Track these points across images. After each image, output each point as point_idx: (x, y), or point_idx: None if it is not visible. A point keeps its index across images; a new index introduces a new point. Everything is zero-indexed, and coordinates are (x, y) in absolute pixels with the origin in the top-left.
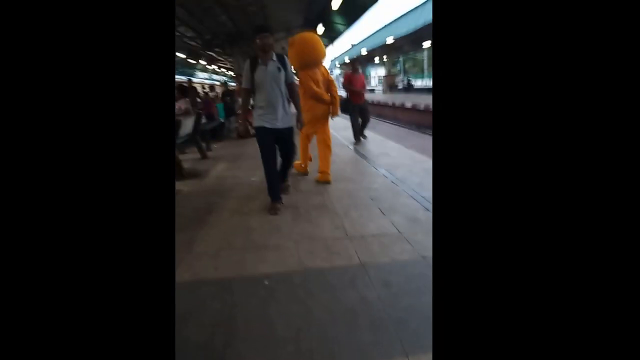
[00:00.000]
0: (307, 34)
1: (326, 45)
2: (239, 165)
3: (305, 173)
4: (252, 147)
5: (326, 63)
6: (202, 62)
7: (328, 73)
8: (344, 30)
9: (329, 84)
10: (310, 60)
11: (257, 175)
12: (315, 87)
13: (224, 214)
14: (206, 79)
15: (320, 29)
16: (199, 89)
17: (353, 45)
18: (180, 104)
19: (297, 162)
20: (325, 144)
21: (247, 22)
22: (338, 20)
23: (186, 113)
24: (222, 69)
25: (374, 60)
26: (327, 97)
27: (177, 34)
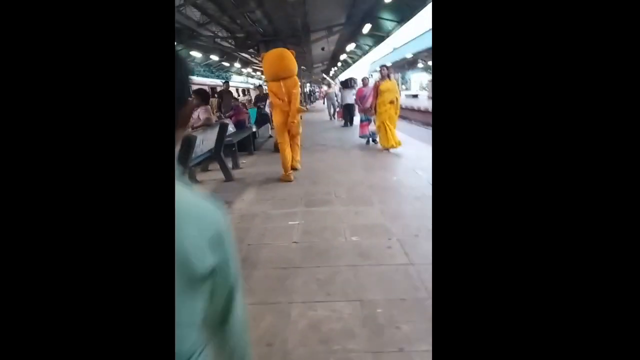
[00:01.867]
0: (277, 50)
1: (371, 47)
2: (273, 194)
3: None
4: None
5: (364, 67)
6: (236, 64)
7: (293, 85)
8: (392, 30)
9: (290, 95)
10: (274, 75)
11: (298, 215)
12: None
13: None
14: (242, 82)
15: (366, 27)
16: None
17: (395, 49)
18: (200, 113)
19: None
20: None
21: (284, 20)
22: (387, 16)
23: (206, 124)
24: (258, 72)
25: (416, 65)
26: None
27: (209, 34)
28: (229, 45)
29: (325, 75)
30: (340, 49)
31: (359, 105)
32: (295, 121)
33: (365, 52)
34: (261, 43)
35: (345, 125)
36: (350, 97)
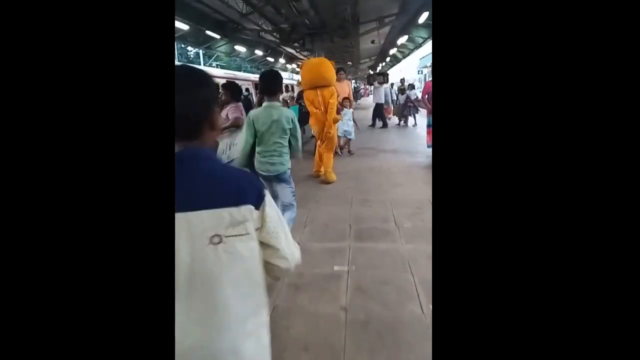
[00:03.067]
0: (316, 59)
1: (426, 39)
2: (312, 218)
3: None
4: (338, 175)
5: (414, 62)
6: (281, 60)
7: (330, 95)
8: None
9: (327, 105)
10: (311, 82)
11: (346, 253)
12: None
13: None
14: (287, 78)
15: (423, 16)
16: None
17: None
18: (228, 112)
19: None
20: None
21: (332, 10)
22: None
23: (235, 125)
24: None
25: None
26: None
27: (254, 26)
28: (274, 39)
29: (371, 72)
30: (391, 43)
31: (427, 106)
32: (332, 132)
33: (418, 46)
34: (307, 36)
35: (373, 125)
36: (381, 95)
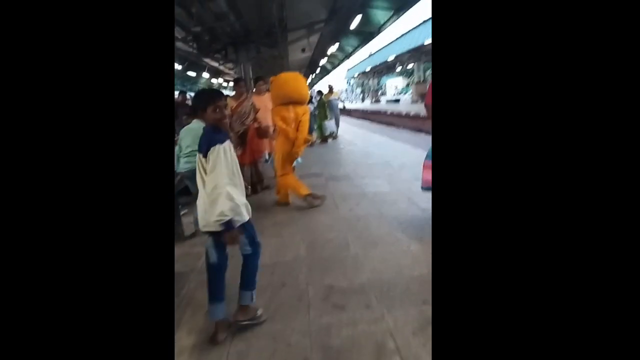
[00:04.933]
0: (290, 74)
1: (356, 48)
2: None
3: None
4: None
5: (341, 74)
6: (205, 74)
7: (303, 112)
8: (385, 24)
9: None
10: (285, 97)
11: None
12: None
13: None
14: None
15: (356, 20)
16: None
17: (371, 54)
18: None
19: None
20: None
21: (256, 14)
22: (382, 4)
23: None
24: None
25: (394, 69)
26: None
27: None
28: (191, 50)
29: None
30: (321, 52)
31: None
32: (300, 151)
33: (347, 55)
34: (229, 45)
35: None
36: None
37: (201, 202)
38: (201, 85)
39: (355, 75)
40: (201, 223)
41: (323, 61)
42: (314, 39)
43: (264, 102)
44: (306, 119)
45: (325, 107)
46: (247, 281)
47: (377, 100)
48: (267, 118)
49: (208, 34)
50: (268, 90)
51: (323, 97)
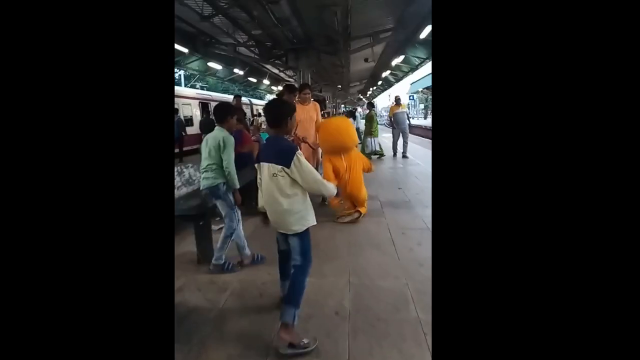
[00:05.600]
0: (336, 121)
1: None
2: None
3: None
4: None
5: (404, 89)
6: (265, 81)
7: (356, 157)
8: None
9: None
10: (334, 149)
11: None
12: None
13: None
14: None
15: (425, 30)
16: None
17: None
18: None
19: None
20: None
21: (319, 22)
22: None
23: None
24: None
25: None
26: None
27: (230, 41)
28: (253, 56)
29: (361, 96)
30: (384, 64)
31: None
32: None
33: (414, 68)
34: (290, 52)
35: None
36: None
37: (279, 209)
38: (261, 91)
39: (420, 90)
40: (274, 226)
41: (386, 73)
42: (379, 48)
43: (308, 113)
44: (358, 162)
45: (372, 122)
46: (291, 296)
47: None
48: (309, 129)
49: (270, 39)
50: (313, 100)
51: (390, 109)
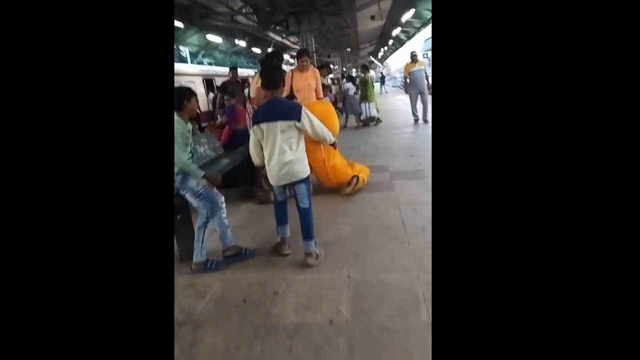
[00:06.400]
0: (320, 106)
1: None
2: None
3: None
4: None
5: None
6: (269, 50)
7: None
8: None
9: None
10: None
11: None
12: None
13: None
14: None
15: None
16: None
17: None
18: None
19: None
20: None
21: None
22: None
23: None
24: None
25: None
26: None
27: (225, 9)
28: (252, 24)
29: (372, 58)
30: (394, 21)
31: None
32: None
33: (425, 22)
34: (290, 16)
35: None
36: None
37: (288, 160)
38: None
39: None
40: (277, 180)
41: (396, 31)
42: (386, 4)
43: (307, 80)
44: (331, 150)
45: (367, 85)
46: (306, 233)
47: None
48: (308, 98)
49: (267, 3)
50: (313, 66)
51: (405, 68)
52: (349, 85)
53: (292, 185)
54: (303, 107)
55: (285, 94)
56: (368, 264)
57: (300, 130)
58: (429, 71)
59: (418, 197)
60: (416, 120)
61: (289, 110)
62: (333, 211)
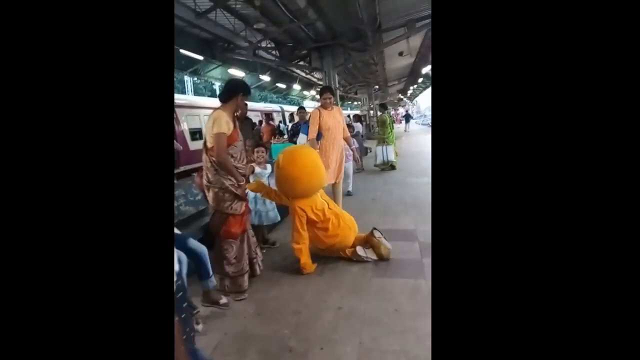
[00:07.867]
0: (308, 154)
1: None
2: None
3: None
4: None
5: None
6: (296, 86)
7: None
8: None
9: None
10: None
11: None
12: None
13: None
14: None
15: None
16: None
17: None
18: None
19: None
20: None
21: (342, 14)
22: None
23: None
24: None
25: None
26: None
27: (246, 44)
28: (274, 59)
29: (402, 96)
30: (424, 58)
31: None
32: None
33: None
34: (313, 51)
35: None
36: None
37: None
38: (292, 97)
39: None
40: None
41: (426, 69)
42: (416, 41)
43: (336, 119)
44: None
45: (385, 126)
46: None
47: None
48: (337, 137)
49: (289, 38)
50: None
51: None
52: (357, 124)
53: None
54: None
55: (312, 135)
56: None
57: None
58: None
59: None
60: None
61: None
62: (335, 312)
